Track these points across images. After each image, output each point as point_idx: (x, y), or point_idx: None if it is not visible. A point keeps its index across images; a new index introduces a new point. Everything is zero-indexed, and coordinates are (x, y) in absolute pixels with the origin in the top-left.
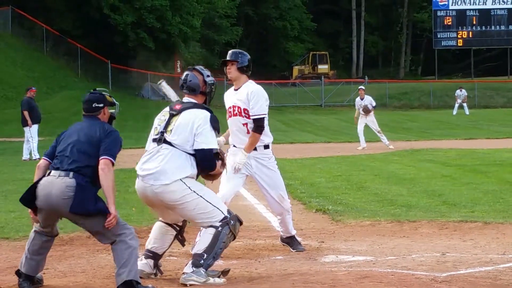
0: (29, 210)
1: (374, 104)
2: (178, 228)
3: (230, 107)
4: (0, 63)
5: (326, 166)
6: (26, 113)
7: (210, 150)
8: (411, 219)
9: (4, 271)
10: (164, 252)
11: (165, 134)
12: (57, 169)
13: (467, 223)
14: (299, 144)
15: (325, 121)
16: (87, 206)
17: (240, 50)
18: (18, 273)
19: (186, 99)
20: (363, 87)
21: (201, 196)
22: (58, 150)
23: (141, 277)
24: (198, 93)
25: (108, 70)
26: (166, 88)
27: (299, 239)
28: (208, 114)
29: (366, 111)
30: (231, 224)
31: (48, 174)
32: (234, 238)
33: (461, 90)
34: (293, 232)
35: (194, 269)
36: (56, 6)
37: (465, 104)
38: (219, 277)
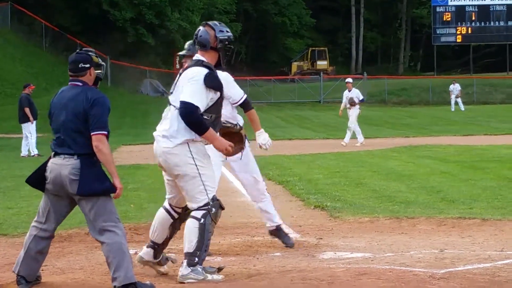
0: None
1: (361, 97)
2: (175, 216)
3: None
4: None
5: (324, 163)
6: (27, 110)
7: (190, 104)
8: (410, 215)
9: (2, 267)
10: (164, 241)
11: (169, 96)
12: (60, 154)
13: (466, 219)
14: (297, 140)
15: (324, 117)
16: (94, 186)
17: None
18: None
19: (196, 56)
20: (350, 80)
21: (199, 174)
22: (53, 130)
23: (139, 262)
24: (208, 48)
25: (107, 66)
26: None
27: (287, 230)
28: (203, 71)
29: (352, 103)
30: (212, 213)
31: (54, 157)
32: (215, 224)
33: (454, 84)
34: (278, 222)
35: (192, 268)
36: (55, 2)
37: (459, 100)
38: (216, 273)
